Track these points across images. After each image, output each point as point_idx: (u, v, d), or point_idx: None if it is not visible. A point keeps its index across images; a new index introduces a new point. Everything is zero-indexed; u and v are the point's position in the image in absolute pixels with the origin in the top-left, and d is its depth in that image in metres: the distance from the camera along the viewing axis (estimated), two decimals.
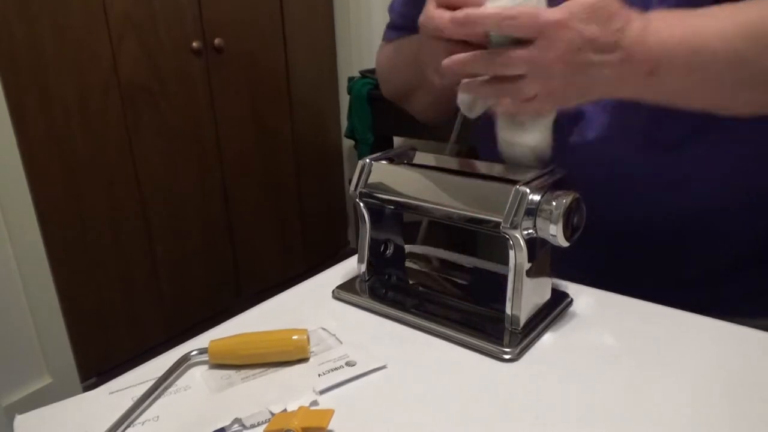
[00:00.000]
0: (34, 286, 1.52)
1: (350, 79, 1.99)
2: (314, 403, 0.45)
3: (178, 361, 0.50)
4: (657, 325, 0.54)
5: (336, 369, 0.48)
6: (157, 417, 0.44)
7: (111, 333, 1.75)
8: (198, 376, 0.49)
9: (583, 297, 0.58)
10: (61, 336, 1.61)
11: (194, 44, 1.78)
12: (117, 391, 0.48)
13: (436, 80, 0.55)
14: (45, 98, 1.48)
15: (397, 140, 2.06)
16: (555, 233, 0.48)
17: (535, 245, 0.50)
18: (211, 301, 2.00)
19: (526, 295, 0.51)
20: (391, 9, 0.80)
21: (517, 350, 0.49)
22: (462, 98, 0.54)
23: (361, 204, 0.60)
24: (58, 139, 1.52)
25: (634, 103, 0.52)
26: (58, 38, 1.48)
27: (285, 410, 0.44)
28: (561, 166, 0.53)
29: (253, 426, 0.43)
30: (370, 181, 0.59)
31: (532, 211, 0.48)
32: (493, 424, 0.42)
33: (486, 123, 0.60)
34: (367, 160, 0.60)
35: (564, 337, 0.52)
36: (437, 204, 0.54)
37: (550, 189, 0.49)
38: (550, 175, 0.51)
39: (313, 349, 0.51)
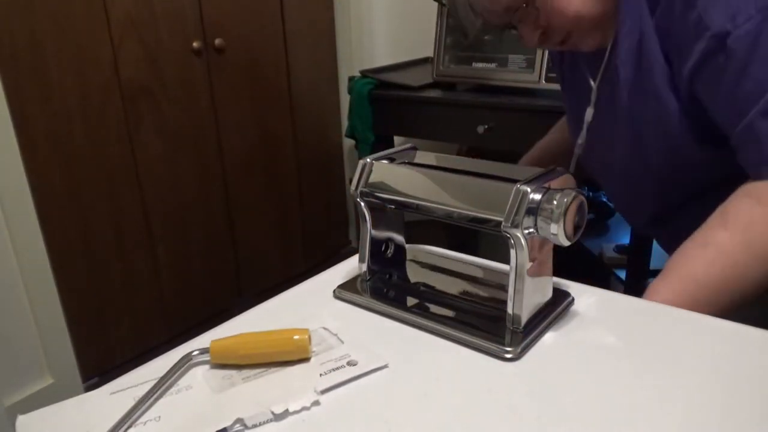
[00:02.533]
0: (36, 286, 1.53)
1: (351, 79, 1.99)
2: (316, 403, 0.45)
3: (179, 361, 0.50)
4: (658, 324, 0.53)
5: (337, 369, 0.48)
6: (159, 417, 0.44)
7: (112, 333, 1.75)
8: (199, 376, 0.49)
9: (585, 296, 0.58)
10: (63, 336, 1.61)
11: (195, 44, 1.78)
12: (118, 391, 0.48)
13: None
14: (46, 99, 1.48)
15: (398, 140, 2.06)
16: (556, 232, 0.48)
17: (536, 244, 0.50)
18: (212, 301, 2.00)
19: (528, 294, 0.51)
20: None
21: (519, 349, 0.49)
22: None
23: (362, 203, 0.60)
24: (59, 140, 1.52)
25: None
26: (59, 39, 1.48)
27: (287, 411, 0.44)
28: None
29: (254, 426, 0.43)
30: (370, 180, 0.59)
31: (533, 210, 0.48)
32: (495, 424, 0.42)
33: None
34: (368, 160, 0.60)
35: (565, 337, 0.52)
36: (438, 203, 0.54)
37: (550, 188, 0.49)
38: (551, 174, 0.51)
39: (314, 348, 0.51)
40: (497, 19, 0.79)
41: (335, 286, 0.62)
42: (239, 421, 0.43)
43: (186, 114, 1.80)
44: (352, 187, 0.60)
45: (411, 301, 0.59)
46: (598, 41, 0.78)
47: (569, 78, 0.93)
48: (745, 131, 0.59)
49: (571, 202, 0.48)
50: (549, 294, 0.55)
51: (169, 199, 1.81)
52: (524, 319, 0.51)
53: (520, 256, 0.49)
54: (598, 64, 0.80)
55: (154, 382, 0.47)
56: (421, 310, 0.57)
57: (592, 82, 0.82)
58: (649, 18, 0.69)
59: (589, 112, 0.82)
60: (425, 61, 2.09)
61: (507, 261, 0.51)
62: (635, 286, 1.54)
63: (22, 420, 0.45)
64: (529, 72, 1.59)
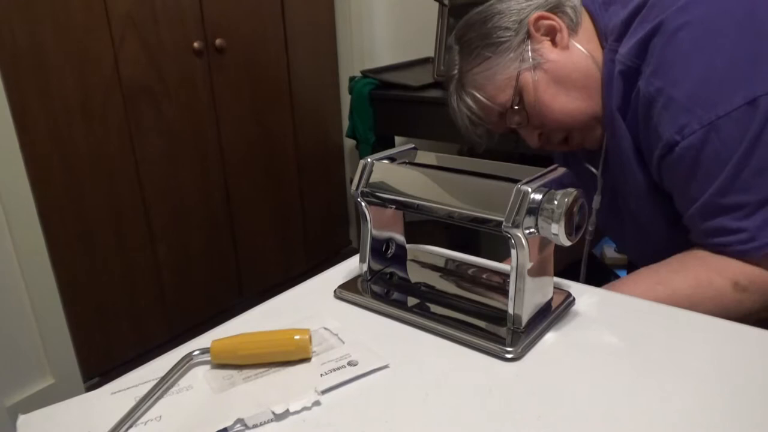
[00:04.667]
0: (37, 286, 1.53)
1: (351, 79, 1.99)
2: (316, 403, 0.45)
3: (180, 361, 0.50)
4: (658, 324, 0.53)
5: (338, 369, 0.48)
6: (160, 417, 0.44)
7: (113, 333, 1.75)
8: (200, 376, 0.49)
9: (585, 296, 0.58)
10: (64, 336, 1.61)
11: (196, 44, 1.78)
12: (119, 391, 0.48)
13: None
14: (47, 98, 1.48)
15: (399, 140, 2.06)
16: (557, 232, 0.48)
17: (536, 244, 0.50)
18: (213, 301, 2.00)
19: (528, 294, 0.51)
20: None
21: (519, 349, 0.49)
22: None
23: (363, 203, 0.60)
24: (59, 139, 1.52)
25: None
26: (59, 38, 1.48)
27: (287, 411, 0.44)
28: None
29: (255, 426, 0.43)
30: (371, 180, 0.59)
31: (534, 210, 0.48)
32: (495, 424, 0.42)
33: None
34: (369, 160, 0.60)
35: (566, 337, 0.52)
36: (439, 203, 0.54)
37: (551, 188, 0.49)
38: (551, 173, 0.51)
39: (315, 348, 0.51)
40: (496, 127, 0.82)
41: (336, 286, 0.62)
42: (240, 421, 0.43)
43: (186, 114, 1.80)
44: (353, 187, 0.60)
45: (412, 301, 0.59)
46: (600, 136, 0.80)
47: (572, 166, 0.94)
48: (688, 220, 0.72)
49: (571, 202, 0.48)
50: (550, 294, 0.55)
51: (169, 199, 1.81)
52: (525, 319, 0.51)
53: (520, 256, 0.49)
54: (597, 154, 0.83)
55: (155, 382, 0.47)
56: (422, 310, 0.57)
57: (595, 170, 0.84)
58: (622, 122, 0.74)
59: (597, 200, 0.85)
60: (425, 61, 2.09)
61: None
62: None
63: (23, 420, 0.45)
64: None
